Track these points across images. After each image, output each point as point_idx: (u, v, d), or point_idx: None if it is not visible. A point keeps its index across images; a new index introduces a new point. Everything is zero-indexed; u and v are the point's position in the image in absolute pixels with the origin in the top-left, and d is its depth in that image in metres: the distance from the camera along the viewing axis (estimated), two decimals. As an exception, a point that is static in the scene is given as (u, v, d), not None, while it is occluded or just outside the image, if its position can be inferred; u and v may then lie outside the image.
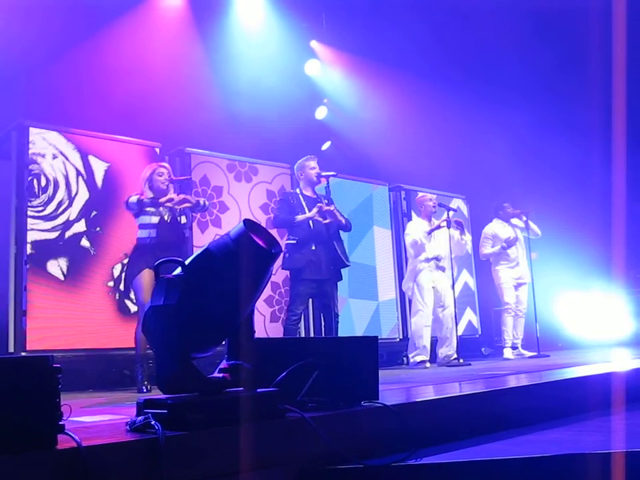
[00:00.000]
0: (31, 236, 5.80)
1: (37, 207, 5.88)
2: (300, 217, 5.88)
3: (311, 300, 6.29)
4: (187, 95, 7.20)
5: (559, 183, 9.69)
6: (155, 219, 5.32)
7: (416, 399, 3.11)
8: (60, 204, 6.02)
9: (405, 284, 7.32)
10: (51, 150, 6.03)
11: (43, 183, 5.95)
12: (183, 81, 7.24)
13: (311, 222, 5.89)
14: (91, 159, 6.29)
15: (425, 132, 9.04)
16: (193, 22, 7.69)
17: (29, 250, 5.75)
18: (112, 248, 6.26)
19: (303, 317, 6.47)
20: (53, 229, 5.95)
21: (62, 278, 5.92)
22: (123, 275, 5.99)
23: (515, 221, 8.12)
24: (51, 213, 5.96)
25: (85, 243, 6.13)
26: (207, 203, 5.62)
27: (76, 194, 6.14)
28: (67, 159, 6.12)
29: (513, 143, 9.32)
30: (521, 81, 9.25)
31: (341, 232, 6.10)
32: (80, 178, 6.18)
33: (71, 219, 6.06)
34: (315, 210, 5.86)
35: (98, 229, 6.21)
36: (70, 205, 6.08)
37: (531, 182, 9.35)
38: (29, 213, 5.83)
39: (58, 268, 5.92)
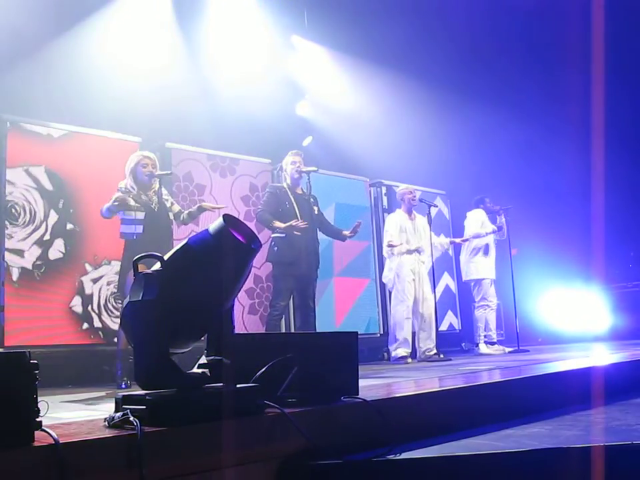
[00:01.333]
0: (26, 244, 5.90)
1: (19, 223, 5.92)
2: (278, 224, 5.89)
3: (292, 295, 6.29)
4: (169, 90, 7.14)
5: (539, 179, 9.75)
6: (140, 214, 5.04)
7: (396, 394, 3.11)
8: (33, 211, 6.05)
9: (386, 276, 7.29)
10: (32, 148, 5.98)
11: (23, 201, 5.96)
12: (163, 76, 7.17)
13: (298, 214, 5.89)
14: (69, 154, 6.23)
15: (406, 127, 9.04)
16: (174, 16, 7.63)
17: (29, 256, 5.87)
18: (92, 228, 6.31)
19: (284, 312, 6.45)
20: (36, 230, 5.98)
21: (62, 256, 6.06)
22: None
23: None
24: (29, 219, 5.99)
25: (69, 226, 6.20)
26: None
27: (55, 190, 6.10)
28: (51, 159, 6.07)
29: (494, 139, 9.36)
30: (501, 78, 9.29)
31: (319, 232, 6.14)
32: (56, 175, 6.14)
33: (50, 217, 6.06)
34: (291, 223, 5.84)
35: (71, 210, 6.21)
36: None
37: (511, 178, 9.39)
38: (10, 227, 5.83)
39: (57, 252, 6.03)
